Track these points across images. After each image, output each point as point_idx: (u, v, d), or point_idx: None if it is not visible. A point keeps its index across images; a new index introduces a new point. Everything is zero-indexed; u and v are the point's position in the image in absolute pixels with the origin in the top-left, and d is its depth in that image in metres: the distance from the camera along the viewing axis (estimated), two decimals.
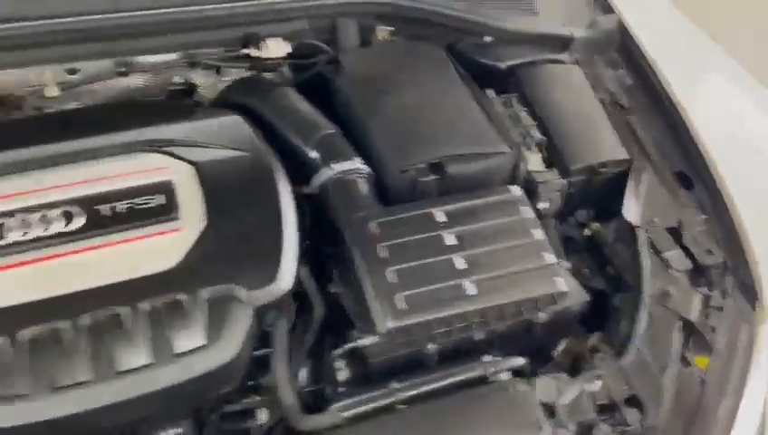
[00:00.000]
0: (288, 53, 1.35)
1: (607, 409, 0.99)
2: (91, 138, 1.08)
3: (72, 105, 1.30)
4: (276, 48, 1.33)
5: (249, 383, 1.03)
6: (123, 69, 1.28)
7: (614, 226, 1.28)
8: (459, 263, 1.04)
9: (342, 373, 1.02)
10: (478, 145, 1.18)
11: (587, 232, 1.30)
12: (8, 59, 1.20)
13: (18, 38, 1.19)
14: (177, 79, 1.37)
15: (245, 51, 1.32)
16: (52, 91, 1.27)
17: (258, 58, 1.33)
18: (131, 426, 0.94)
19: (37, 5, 1.20)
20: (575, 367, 1.09)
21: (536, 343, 1.08)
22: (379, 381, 0.99)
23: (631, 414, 0.97)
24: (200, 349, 0.91)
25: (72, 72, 1.27)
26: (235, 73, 1.38)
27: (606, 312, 1.19)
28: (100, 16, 1.22)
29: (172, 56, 1.31)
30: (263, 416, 1.03)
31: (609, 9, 1.51)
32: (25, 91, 1.27)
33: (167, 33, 1.28)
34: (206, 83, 1.38)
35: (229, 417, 1.04)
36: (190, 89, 1.38)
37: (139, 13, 1.24)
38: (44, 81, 1.25)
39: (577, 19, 1.49)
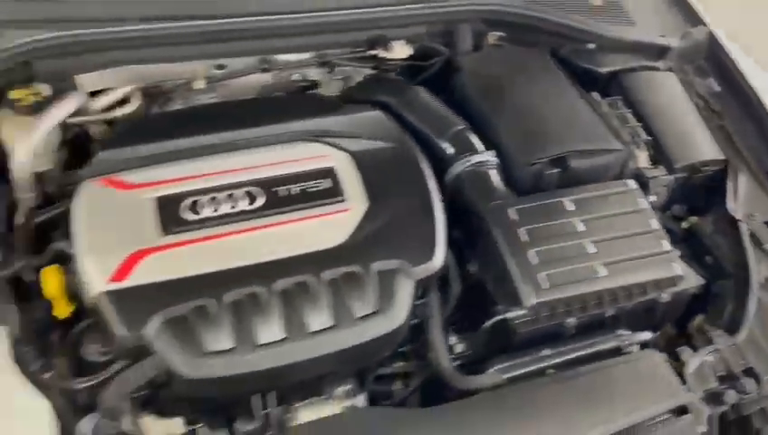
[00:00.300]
0: (409, 55, 1.48)
1: (726, 379, 1.11)
2: (261, 127, 1.21)
3: (208, 98, 1.44)
4: (400, 50, 1.45)
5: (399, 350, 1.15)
6: (265, 66, 1.41)
7: (711, 219, 1.40)
8: (590, 247, 1.15)
9: (458, 346, 1.15)
10: (596, 142, 1.30)
11: (684, 225, 1.42)
12: (168, 53, 1.32)
13: (178, 36, 1.31)
14: (296, 76, 1.50)
15: (373, 52, 1.45)
16: (200, 84, 1.40)
17: (383, 59, 1.46)
18: (312, 382, 1.07)
19: (194, 6, 1.33)
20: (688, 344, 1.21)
21: (655, 322, 1.20)
22: (523, 350, 1.11)
23: (749, 384, 1.09)
24: (374, 315, 1.03)
25: (220, 67, 1.39)
26: (347, 72, 1.52)
27: (705, 297, 1.31)
28: (249, 18, 1.34)
29: (306, 55, 1.44)
30: (411, 381, 1.16)
31: (698, 21, 1.62)
32: (177, 84, 1.40)
33: (304, 34, 1.40)
34: (324, 81, 1.51)
35: (382, 379, 1.17)
36: (313, 85, 1.52)
37: (282, 16, 1.36)
38: (196, 75, 1.38)
39: (667, 30, 1.61)
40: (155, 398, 1.03)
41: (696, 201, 1.43)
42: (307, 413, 1.04)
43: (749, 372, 1.11)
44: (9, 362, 0.93)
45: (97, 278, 0.99)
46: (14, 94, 1.14)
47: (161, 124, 1.24)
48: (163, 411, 1.04)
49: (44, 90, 1.20)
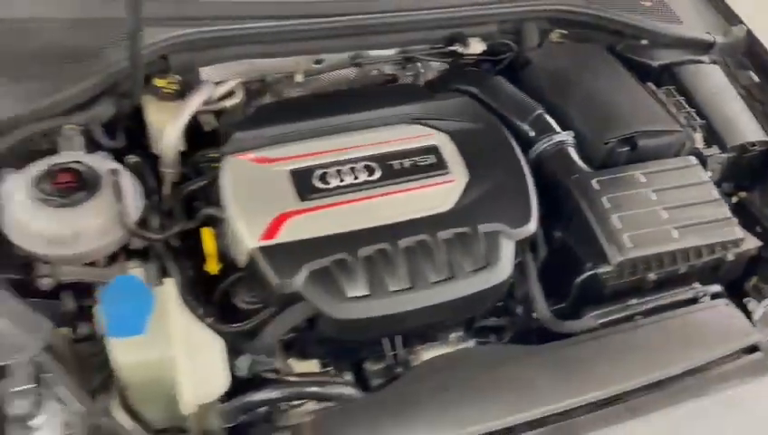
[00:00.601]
0: (483, 51, 1.64)
1: None
2: (368, 112, 1.37)
3: (297, 91, 1.60)
4: (476, 46, 1.62)
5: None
6: (357, 61, 1.57)
7: (757, 194, 1.57)
8: (663, 214, 1.31)
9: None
10: (659, 124, 1.46)
11: (734, 199, 1.58)
12: (276, 49, 1.48)
13: (285, 33, 1.46)
14: (374, 72, 1.66)
15: (452, 48, 1.62)
16: (300, 78, 1.56)
17: (461, 54, 1.62)
18: (431, 327, 1.22)
19: (298, 7, 1.49)
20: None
21: (720, 278, 1.36)
22: (611, 300, 1.27)
23: None
24: (483, 269, 1.19)
25: (319, 62, 1.55)
26: (417, 68, 1.67)
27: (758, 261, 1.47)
28: (344, 18, 1.50)
29: (392, 51, 1.60)
30: (503, 334, 1.32)
31: (736, 20, 1.80)
32: (277, 77, 1.56)
33: (392, 32, 1.56)
34: (399, 76, 1.68)
35: (481, 330, 1.32)
36: (394, 79, 1.68)
37: (373, 15, 1.53)
38: (297, 69, 1.54)
39: (709, 27, 1.78)
40: (296, 342, 1.19)
41: (742, 179, 1.60)
42: (428, 355, 1.20)
43: None
44: (182, 307, 1.08)
45: (250, 237, 1.14)
46: (158, 82, 1.30)
47: (283, 110, 1.40)
48: (302, 354, 1.20)
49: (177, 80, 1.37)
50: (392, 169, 1.28)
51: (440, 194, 1.27)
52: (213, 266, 1.21)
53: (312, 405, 1.15)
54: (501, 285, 1.20)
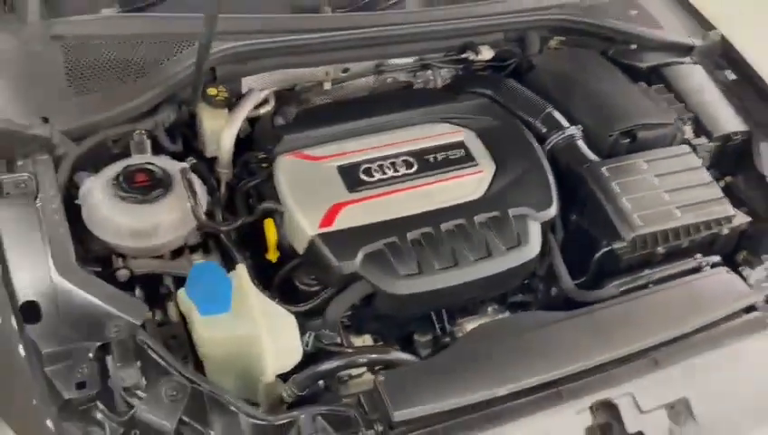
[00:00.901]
0: (492, 57, 1.80)
1: None
2: (399, 113, 1.52)
3: (321, 99, 1.73)
4: (486, 53, 1.78)
5: None
6: (381, 68, 1.71)
7: (741, 178, 1.75)
8: (665, 196, 1.48)
9: None
10: (655, 118, 1.64)
11: (721, 184, 1.76)
12: (308, 59, 1.61)
13: (317, 45, 1.60)
14: (389, 80, 1.81)
15: (465, 55, 1.77)
16: (328, 86, 1.69)
17: (473, 61, 1.78)
18: (471, 301, 1.36)
19: (328, 21, 1.63)
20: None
21: (717, 251, 1.52)
22: (623, 274, 1.42)
23: None
24: (516, 247, 1.34)
25: (346, 70, 1.69)
26: (427, 76, 1.83)
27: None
28: (368, 29, 1.64)
29: (411, 59, 1.75)
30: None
31: (708, 26, 2.00)
32: (306, 86, 1.70)
33: (411, 42, 1.71)
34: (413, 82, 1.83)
35: (510, 306, 1.46)
36: (409, 85, 1.83)
37: (394, 27, 1.67)
38: (327, 77, 1.67)
39: (687, 33, 1.98)
40: (351, 319, 1.32)
41: (727, 165, 1.78)
42: (469, 326, 1.33)
43: None
44: (255, 288, 1.20)
45: (310, 226, 1.28)
46: (210, 91, 1.42)
47: (324, 113, 1.54)
48: (357, 330, 1.33)
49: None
50: (428, 163, 1.43)
51: (472, 183, 1.42)
52: (273, 254, 1.34)
53: (368, 375, 1.28)
54: (531, 261, 1.35)
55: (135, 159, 1.29)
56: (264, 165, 1.45)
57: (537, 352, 1.18)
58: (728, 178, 1.76)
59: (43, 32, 1.39)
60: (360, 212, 1.31)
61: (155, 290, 1.31)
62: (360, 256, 1.24)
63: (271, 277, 1.33)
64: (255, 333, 1.12)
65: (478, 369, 1.14)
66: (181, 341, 1.22)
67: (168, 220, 1.23)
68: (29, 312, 1.07)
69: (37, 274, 1.10)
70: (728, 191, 1.70)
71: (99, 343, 1.05)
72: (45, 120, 1.25)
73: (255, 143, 1.52)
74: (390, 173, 1.39)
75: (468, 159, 1.45)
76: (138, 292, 1.29)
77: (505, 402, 1.10)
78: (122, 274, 1.24)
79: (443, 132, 1.50)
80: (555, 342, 1.20)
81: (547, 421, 1.10)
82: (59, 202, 1.20)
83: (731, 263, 1.57)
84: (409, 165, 1.42)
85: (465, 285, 1.29)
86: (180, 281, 1.30)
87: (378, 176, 1.38)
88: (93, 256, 1.25)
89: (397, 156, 1.42)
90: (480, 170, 1.44)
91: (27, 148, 1.24)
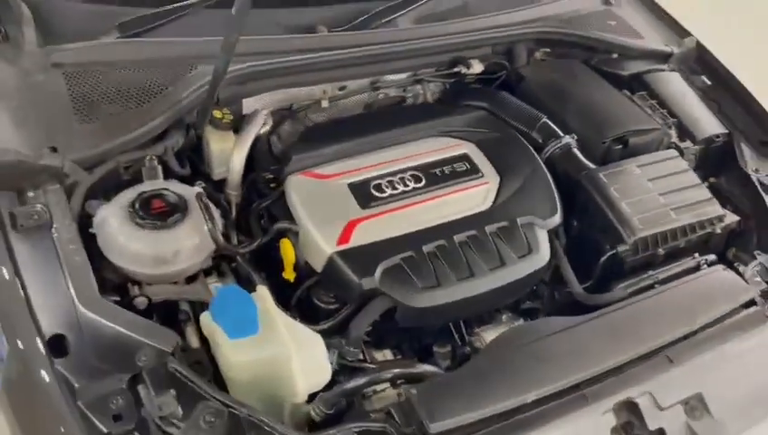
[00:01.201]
0: (482, 70, 1.85)
1: None
2: (402, 129, 1.55)
3: (317, 117, 1.75)
4: (477, 67, 1.82)
5: None
6: (376, 85, 1.73)
7: (724, 179, 1.83)
8: (660, 199, 1.54)
9: None
10: (643, 124, 1.70)
11: (706, 185, 1.84)
12: (306, 79, 1.63)
13: (314, 65, 1.61)
14: (381, 96, 1.84)
15: (456, 69, 1.81)
16: (326, 104, 1.71)
17: (464, 74, 1.81)
18: (486, 311, 1.39)
19: (324, 40, 1.65)
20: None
21: (711, 249, 1.59)
22: (628, 276, 1.47)
23: None
24: (528, 255, 1.37)
25: (342, 88, 1.71)
26: (416, 90, 1.86)
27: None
28: (365, 48, 1.67)
29: (404, 75, 1.78)
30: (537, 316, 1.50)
31: (684, 32, 2.09)
32: (303, 104, 1.71)
33: (404, 58, 1.74)
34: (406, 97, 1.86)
35: (523, 313, 1.50)
36: (402, 100, 1.86)
37: (389, 45, 1.70)
38: (325, 95, 1.69)
39: (663, 40, 2.06)
40: (371, 334, 1.33)
41: (710, 167, 1.86)
42: (486, 335, 1.36)
43: None
44: (278, 310, 1.20)
45: (328, 244, 1.29)
46: (216, 114, 1.42)
47: (328, 132, 1.55)
48: (377, 345, 1.34)
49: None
50: (435, 177, 1.46)
51: (479, 195, 1.45)
52: (290, 274, 1.34)
53: (390, 390, 1.29)
54: (542, 269, 1.39)
55: (147, 185, 1.28)
56: (272, 185, 1.46)
57: (559, 357, 1.21)
58: (712, 180, 1.84)
59: (42, 60, 1.37)
60: (374, 228, 1.33)
61: (171, 316, 1.30)
62: (379, 271, 1.26)
63: (288, 297, 1.34)
64: (285, 353, 1.12)
65: (505, 377, 1.16)
66: (205, 366, 1.21)
67: (187, 245, 1.23)
68: (56, 345, 1.05)
69: (61, 306, 1.09)
70: (713, 191, 1.78)
71: (130, 374, 1.04)
72: (54, 149, 1.24)
73: (256, 163, 1.53)
74: (401, 188, 1.42)
75: (474, 171, 1.49)
76: (155, 319, 1.28)
77: (534, 408, 1.13)
78: (140, 301, 1.23)
79: (446, 146, 1.53)
80: (574, 345, 1.24)
81: (575, 424, 1.13)
82: (75, 232, 1.18)
83: (722, 260, 1.65)
84: (418, 179, 1.44)
85: (483, 295, 1.32)
86: (197, 306, 1.31)
87: (389, 191, 1.40)
88: (110, 284, 1.24)
89: (404, 171, 1.45)
90: (486, 182, 1.48)
91: (37, 178, 1.22)
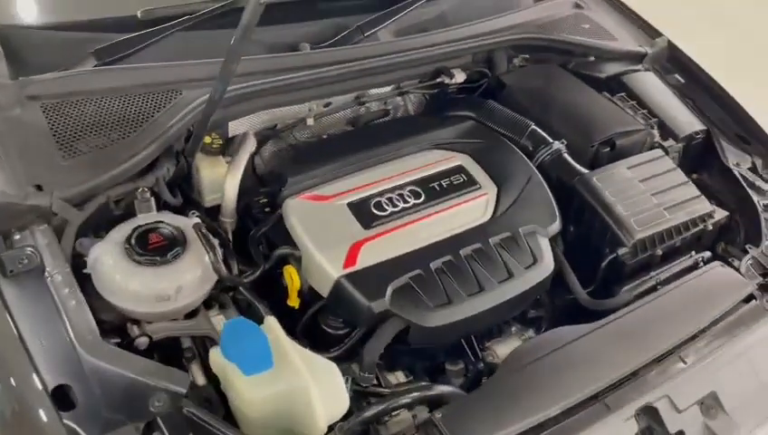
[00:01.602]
0: (465, 79, 1.84)
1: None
2: (393, 144, 1.53)
3: (302, 135, 1.71)
4: (459, 76, 1.81)
5: None
6: (361, 100, 1.70)
7: (706, 174, 1.86)
8: (653, 199, 1.56)
9: None
10: (628, 125, 1.72)
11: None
12: (291, 98, 1.59)
13: (300, 84, 1.57)
14: (362, 111, 1.81)
15: (439, 79, 1.79)
16: (311, 121, 1.67)
17: (447, 84, 1.80)
18: (497, 324, 1.37)
19: (309, 58, 1.61)
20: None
21: (704, 246, 1.61)
22: (630, 277, 1.48)
23: None
24: (534, 265, 1.36)
25: (327, 105, 1.68)
26: (397, 102, 1.84)
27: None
28: (351, 63, 1.64)
29: (389, 88, 1.76)
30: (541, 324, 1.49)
31: (655, 33, 2.12)
32: (287, 123, 1.67)
33: (388, 72, 1.72)
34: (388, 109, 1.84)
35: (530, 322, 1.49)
36: (385, 113, 1.83)
37: (373, 59, 1.67)
38: (310, 113, 1.65)
39: (636, 41, 2.10)
40: (383, 357, 1.29)
41: (691, 164, 1.89)
42: (498, 349, 1.34)
43: None
44: (289, 340, 1.16)
45: (334, 268, 1.25)
46: (205, 140, 1.37)
47: (319, 151, 1.52)
48: (389, 367, 1.30)
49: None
50: (434, 191, 1.44)
51: (479, 206, 1.44)
52: (295, 300, 1.30)
53: (405, 413, 1.26)
54: (548, 277, 1.38)
55: (141, 219, 1.22)
56: (266, 209, 1.42)
57: (576, 368, 1.21)
58: (694, 176, 1.88)
59: (16, 93, 1.30)
60: (379, 248, 1.30)
61: (173, 354, 1.25)
62: (388, 292, 1.23)
63: (293, 325, 1.30)
64: (303, 385, 1.08)
65: (526, 393, 1.15)
66: (215, 404, 1.16)
67: (190, 279, 1.17)
68: (62, 398, 0.99)
69: (62, 355, 1.03)
70: (698, 188, 1.82)
71: (144, 422, 0.99)
72: (39, 187, 1.17)
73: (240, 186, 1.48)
74: (401, 205, 1.39)
75: (471, 182, 1.48)
76: (156, 358, 1.22)
77: (559, 422, 1.12)
78: (142, 341, 1.17)
79: (440, 159, 1.51)
80: (590, 354, 1.23)
81: (601, 434, 1.13)
82: (69, 274, 1.12)
83: (713, 256, 1.67)
84: (417, 195, 1.42)
85: (493, 309, 1.30)
86: (199, 341, 1.25)
87: (389, 209, 1.38)
88: (108, 326, 1.17)
89: (402, 187, 1.43)
90: (484, 193, 1.46)
91: (24, 219, 1.15)
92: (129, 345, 1.16)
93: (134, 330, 1.19)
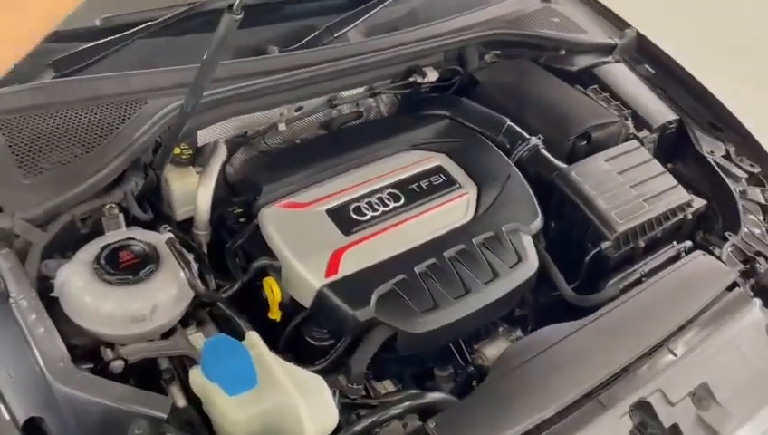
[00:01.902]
0: (437, 78, 1.81)
1: (746, 262, 1.54)
2: (373, 144, 1.49)
3: (274, 142, 1.67)
4: (431, 75, 1.78)
5: None
6: (333, 102, 1.66)
7: (681, 163, 1.87)
8: (632, 191, 1.55)
9: None
10: (603, 118, 1.71)
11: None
12: (261, 103, 1.54)
13: (270, 88, 1.52)
14: (334, 114, 1.77)
15: (412, 79, 1.76)
16: (283, 126, 1.62)
17: (420, 83, 1.77)
18: (485, 326, 1.34)
19: (279, 61, 1.56)
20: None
21: (685, 235, 1.61)
22: (614, 271, 1.46)
23: (760, 262, 1.53)
24: (519, 263, 1.34)
25: (299, 109, 1.63)
26: (368, 103, 1.81)
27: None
28: (322, 65, 1.59)
29: (361, 89, 1.72)
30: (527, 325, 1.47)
31: (623, 24, 2.13)
32: (259, 129, 1.61)
33: (360, 73, 1.68)
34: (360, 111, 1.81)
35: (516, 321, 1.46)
36: (359, 115, 1.80)
37: (344, 61, 1.63)
38: (282, 118, 1.60)
39: (605, 33, 2.10)
40: (370, 367, 1.25)
41: (666, 154, 1.89)
42: (488, 351, 1.31)
43: (758, 254, 1.55)
44: (273, 355, 1.11)
45: (315, 277, 1.21)
46: (174, 150, 1.31)
47: (294, 156, 1.47)
48: (377, 376, 1.27)
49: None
50: (414, 193, 1.40)
51: (460, 206, 1.41)
52: (276, 313, 1.25)
53: (395, 423, 1.22)
54: (534, 275, 1.36)
55: (110, 237, 1.16)
56: (241, 220, 1.37)
57: (568, 366, 1.18)
58: (669, 165, 1.88)
59: None
60: (361, 254, 1.26)
61: (150, 376, 1.19)
62: (373, 299, 1.19)
63: (276, 338, 1.25)
64: (290, 401, 1.03)
65: (520, 395, 1.12)
66: (196, 426, 1.11)
67: (165, 298, 1.12)
68: (34, 431, 0.93)
69: (32, 385, 0.96)
70: (674, 177, 1.82)
71: None
72: (0, 209, 1.10)
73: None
74: (381, 209, 1.35)
75: (451, 182, 1.45)
76: (132, 382, 1.16)
77: (555, 422, 1.10)
78: (117, 365, 1.11)
79: (418, 160, 1.48)
80: (580, 352, 1.21)
81: (598, 431, 1.11)
82: (35, 299, 1.06)
83: (693, 245, 1.68)
84: (397, 198, 1.39)
85: (481, 311, 1.27)
86: (177, 361, 1.20)
87: (369, 214, 1.34)
88: (80, 351, 1.11)
89: (381, 190, 1.39)
90: (465, 192, 1.44)
91: None
92: (103, 370, 1.10)
93: (108, 354, 1.13)
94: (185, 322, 1.25)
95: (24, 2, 0.79)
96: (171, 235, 1.19)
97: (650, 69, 2.06)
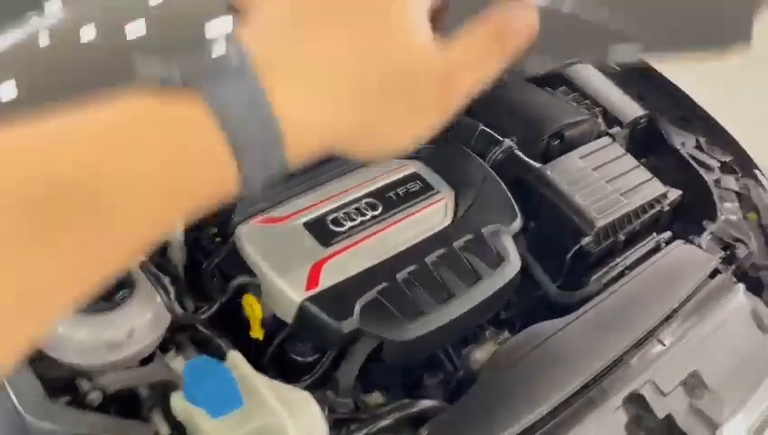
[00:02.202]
0: None
1: (725, 248, 1.55)
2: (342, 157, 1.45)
3: None
4: None
5: None
6: None
7: (652, 158, 1.88)
8: (608, 186, 1.55)
9: None
10: (574, 116, 1.72)
11: None
12: None
13: None
14: None
15: None
16: None
17: None
18: (471, 329, 1.32)
19: None
20: None
21: (663, 227, 1.61)
22: (596, 266, 1.46)
23: (741, 247, 1.53)
24: (501, 264, 1.32)
25: None
26: None
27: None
28: None
29: None
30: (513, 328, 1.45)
31: None
32: None
33: None
34: None
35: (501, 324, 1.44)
36: None
37: None
38: None
39: None
40: (357, 378, 1.22)
41: (638, 148, 1.91)
42: (476, 355, 1.29)
43: (737, 240, 1.56)
44: (257, 374, 1.08)
45: (296, 292, 1.18)
46: None
47: None
48: (365, 388, 1.23)
49: None
50: (391, 201, 1.39)
51: (439, 211, 1.39)
52: (258, 331, 1.22)
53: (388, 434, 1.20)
54: (517, 276, 1.34)
55: None
56: (217, 239, 1.34)
57: (558, 363, 1.17)
58: (643, 160, 1.90)
59: None
60: (341, 265, 1.24)
61: (130, 404, 1.15)
62: (357, 310, 1.17)
63: (259, 357, 1.22)
64: (277, 420, 1.00)
65: (512, 395, 1.11)
66: None
67: (141, 322, 1.08)
68: None
69: (7, 424, 0.92)
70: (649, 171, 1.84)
71: None
72: None
73: None
74: (359, 219, 1.33)
75: (428, 188, 1.43)
76: (111, 412, 1.12)
77: (550, 420, 1.08)
78: (95, 396, 1.07)
79: (393, 168, 1.46)
80: (569, 348, 1.20)
81: (593, 427, 1.09)
82: None
83: (673, 236, 1.68)
84: (374, 207, 1.37)
85: (466, 314, 1.25)
86: (159, 388, 1.16)
87: (348, 224, 1.32)
88: (56, 384, 1.07)
89: (358, 200, 1.37)
90: (442, 197, 1.42)
91: None
92: (80, 402, 1.06)
93: (84, 384, 1.09)
94: (164, 347, 1.21)
95: None
96: (145, 258, 1.16)
97: (616, 66, 2.10)
